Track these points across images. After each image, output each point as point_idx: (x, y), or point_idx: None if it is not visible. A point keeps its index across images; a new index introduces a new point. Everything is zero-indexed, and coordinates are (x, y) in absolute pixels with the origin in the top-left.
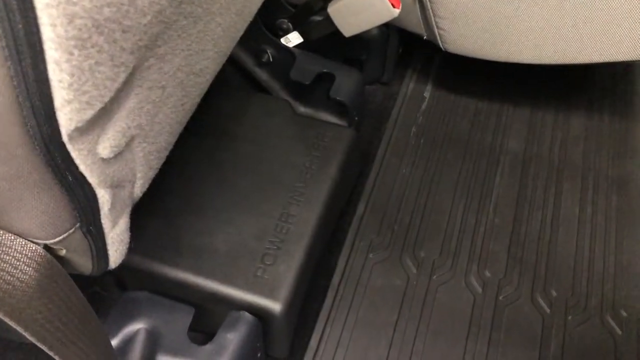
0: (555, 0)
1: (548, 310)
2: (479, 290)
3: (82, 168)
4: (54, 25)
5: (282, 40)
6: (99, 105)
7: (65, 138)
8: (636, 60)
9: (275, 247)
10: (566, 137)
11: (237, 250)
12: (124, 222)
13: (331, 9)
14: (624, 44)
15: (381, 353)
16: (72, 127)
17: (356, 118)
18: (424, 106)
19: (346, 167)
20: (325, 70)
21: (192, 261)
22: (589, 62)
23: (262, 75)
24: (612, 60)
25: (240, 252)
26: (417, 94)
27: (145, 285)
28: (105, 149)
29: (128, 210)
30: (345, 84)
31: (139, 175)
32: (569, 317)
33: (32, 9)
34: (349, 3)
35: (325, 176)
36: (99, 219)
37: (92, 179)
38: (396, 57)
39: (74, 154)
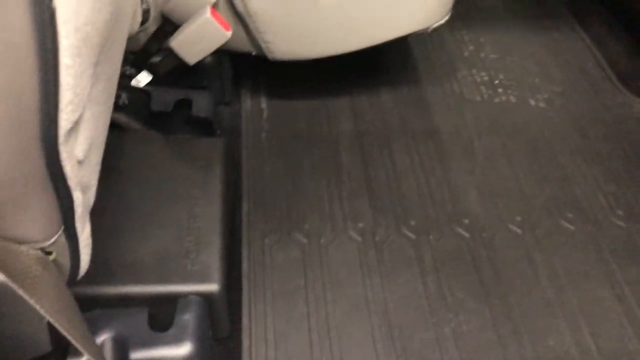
0: None
1: (413, 237)
2: (359, 239)
3: (67, 169)
4: (67, 37)
5: (133, 82)
6: (81, 109)
7: (61, 139)
8: (410, 34)
9: (194, 243)
10: (382, 110)
11: (162, 254)
12: (88, 226)
13: (173, 43)
14: (401, 22)
15: (302, 312)
16: (67, 127)
17: (218, 132)
18: (265, 115)
19: (226, 169)
20: (181, 97)
21: (127, 274)
22: (385, 40)
23: (121, 118)
24: (396, 37)
25: (166, 255)
26: (256, 107)
27: (90, 309)
28: (80, 151)
29: (88, 215)
30: (202, 103)
31: (93, 182)
32: (430, 236)
33: (56, 24)
34: (189, 34)
35: (214, 177)
36: (74, 222)
37: (71, 181)
38: (232, 78)
39: (63, 155)
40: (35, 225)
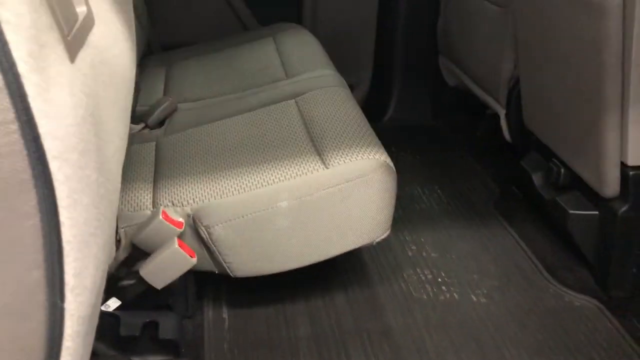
0: (301, 218)
1: None
2: None
3: None
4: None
5: (102, 308)
6: None
7: None
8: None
9: None
10: (336, 312)
11: None
12: None
13: (143, 272)
14: (348, 239)
15: None
16: None
17: (182, 350)
18: (227, 325)
19: None
20: (148, 320)
21: None
22: (335, 255)
23: None
24: (344, 251)
25: None
26: (218, 317)
27: None
28: None
29: None
30: (169, 325)
31: None
32: None
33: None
34: (157, 263)
35: None
36: None
37: None
38: (195, 294)
39: None
40: None
